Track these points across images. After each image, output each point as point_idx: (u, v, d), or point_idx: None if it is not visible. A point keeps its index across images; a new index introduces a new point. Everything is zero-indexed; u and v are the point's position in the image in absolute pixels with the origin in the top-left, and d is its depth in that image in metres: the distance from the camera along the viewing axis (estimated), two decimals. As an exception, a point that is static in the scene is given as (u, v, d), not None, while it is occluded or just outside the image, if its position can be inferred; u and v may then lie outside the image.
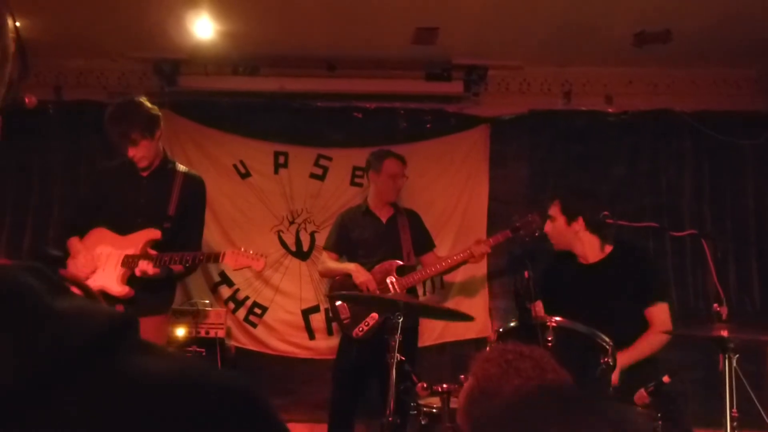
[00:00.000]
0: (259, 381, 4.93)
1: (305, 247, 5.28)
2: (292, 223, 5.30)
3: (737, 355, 2.72)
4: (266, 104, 5.28)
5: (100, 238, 3.53)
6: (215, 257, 3.48)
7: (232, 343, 5.04)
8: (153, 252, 3.40)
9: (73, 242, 3.56)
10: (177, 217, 3.54)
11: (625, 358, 3.13)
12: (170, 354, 0.56)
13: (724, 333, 2.70)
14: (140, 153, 3.46)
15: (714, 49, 4.88)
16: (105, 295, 3.41)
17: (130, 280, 3.45)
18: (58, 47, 5.01)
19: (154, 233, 3.47)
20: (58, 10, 4.44)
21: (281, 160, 5.32)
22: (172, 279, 3.63)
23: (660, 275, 3.82)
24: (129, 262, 3.42)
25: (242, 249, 3.50)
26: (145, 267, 3.35)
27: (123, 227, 3.51)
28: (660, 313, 3.33)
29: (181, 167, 3.71)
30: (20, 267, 0.54)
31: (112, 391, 0.49)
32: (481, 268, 5.03)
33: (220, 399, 0.53)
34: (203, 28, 4.49)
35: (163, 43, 4.78)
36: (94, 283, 3.43)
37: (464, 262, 4.35)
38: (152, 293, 3.47)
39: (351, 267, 4.22)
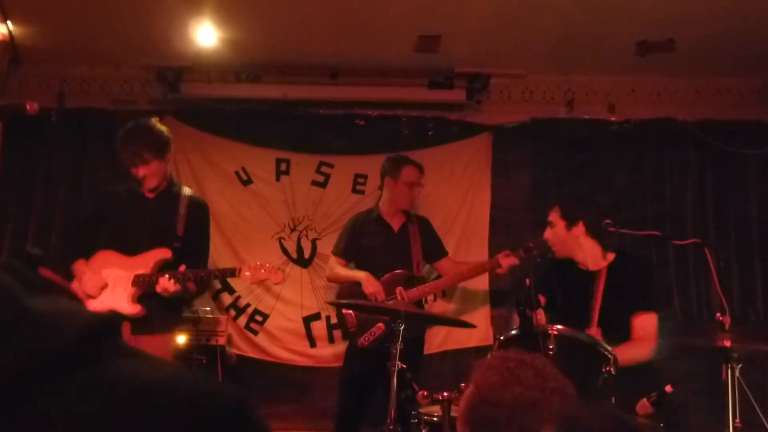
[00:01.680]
0: (260, 389, 4.95)
1: (306, 255, 5.27)
2: (293, 230, 5.29)
3: (740, 365, 2.70)
4: (268, 111, 5.28)
5: (106, 260, 3.57)
6: (231, 273, 3.51)
7: (233, 350, 5.02)
8: (182, 268, 3.42)
9: (79, 265, 3.60)
10: (185, 237, 3.58)
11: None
12: (156, 360, 0.54)
13: (727, 343, 2.68)
14: (150, 172, 3.53)
15: (717, 58, 4.88)
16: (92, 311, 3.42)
17: (141, 298, 3.47)
18: (61, 54, 5.02)
19: (165, 253, 3.51)
20: (61, 17, 4.45)
21: (283, 167, 5.32)
22: (184, 299, 3.66)
23: (655, 285, 3.76)
24: (141, 281, 3.45)
25: (258, 263, 3.52)
26: (166, 284, 3.35)
27: (129, 248, 3.55)
28: (644, 324, 3.24)
29: (187, 190, 3.78)
30: None
31: (93, 395, 0.47)
32: (482, 276, 5.01)
33: (207, 407, 0.51)
34: (206, 36, 4.50)
35: (166, 50, 4.79)
36: (103, 304, 3.46)
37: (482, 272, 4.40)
38: (161, 311, 3.50)
39: (361, 275, 4.18)
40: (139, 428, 0.47)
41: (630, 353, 3.07)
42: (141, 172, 3.52)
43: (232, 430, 0.52)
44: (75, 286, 3.55)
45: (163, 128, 3.64)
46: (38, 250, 3.78)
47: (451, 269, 4.42)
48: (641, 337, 3.23)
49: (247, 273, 3.46)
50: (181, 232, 3.57)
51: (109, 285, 3.50)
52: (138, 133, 3.54)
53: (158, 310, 3.48)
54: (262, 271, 3.46)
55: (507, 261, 4.16)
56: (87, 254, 3.62)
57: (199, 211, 3.71)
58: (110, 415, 0.47)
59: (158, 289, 3.37)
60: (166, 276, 3.37)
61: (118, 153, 3.57)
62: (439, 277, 4.50)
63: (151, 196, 3.64)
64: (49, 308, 0.50)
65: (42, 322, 0.49)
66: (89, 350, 0.49)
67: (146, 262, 3.49)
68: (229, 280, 5.16)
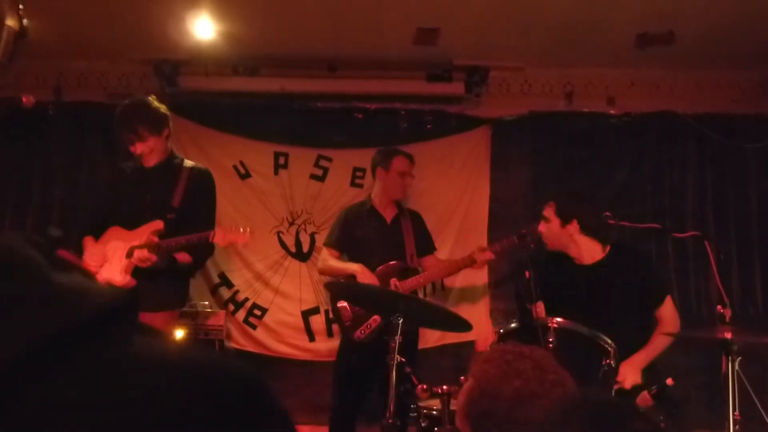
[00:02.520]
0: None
1: (305, 249, 5.25)
2: (291, 224, 5.27)
3: (740, 358, 2.69)
4: (266, 105, 5.26)
5: (113, 236, 3.59)
6: (205, 239, 3.47)
7: (232, 344, 5.01)
8: (155, 239, 3.44)
9: (87, 241, 3.64)
10: (182, 208, 3.57)
11: (642, 359, 3.15)
12: (171, 338, 0.56)
13: (728, 335, 2.68)
14: (147, 148, 3.54)
15: (717, 51, 4.86)
16: (110, 287, 3.43)
17: (135, 271, 3.46)
18: (59, 48, 5.00)
19: (157, 224, 3.51)
20: (58, 11, 4.42)
21: (281, 160, 5.30)
22: (182, 272, 3.65)
23: (658, 273, 3.84)
24: (132, 252, 3.46)
25: (231, 227, 3.54)
26: (139, 254, 3.38)
27: (132, 223, 3.56)
28: (667, 310, 3.39)
29: (189, 162, 3.77)
30: (20, 238, 0.53)
31: (114, 368, 0.49)
32: (481, 270, 4.99)
33: (224, 383, 0.53)
34: (203, 29, 4.47)
35: (164, 43, 4.77)
36: (101, 276, 3.48)
37: (462, 268, 4.35)
38: (160, 288, 3.49)
39: (355, 268, 4.14)
40: (156, 401, 0.49)
41: (669, 339, 3.27)
42: (138, 148, 3.53)
43: (249, 404, 0.53)
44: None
45: (160, 106, 3.63)
46: (58, 231, 3.82)
47: (435, 265, 4.40)
48: (670, 322, 3.35)
49: (217, 237, 3.47)
50: (177, 203, 3.57)
51: (109, 258, 3.52)
52: (134, 110, 3.55)
53: (159, 286, 3.47)
54: (231, 234, 3.48)
55: (482, 256, 4.16)
56: (95, 232, 3.64)
57: (200, 181, 3.69)
58: (124, 387, 0.48)
59: (134, 260, 3.39)
60: (145, 249, 3.39)
61: (115, 129, 3.58)
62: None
63: (150, 169, 3.65)
64: (72, 283, 0.52)
65: (67, 296, 0.50)
66: (110, 326, 0.51)
67: (141, 234, 3.50)
68: (227, 274, 5.16)
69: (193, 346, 0.57)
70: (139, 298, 0.57)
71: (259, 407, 0.54)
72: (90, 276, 0.58)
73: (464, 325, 3.13)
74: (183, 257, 3.50)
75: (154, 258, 3.38)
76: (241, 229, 3.51)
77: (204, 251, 3.66)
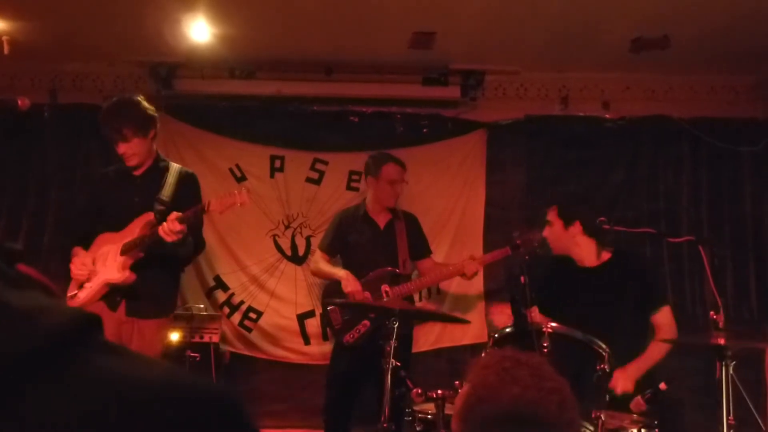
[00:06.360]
0: (254, 387, 4.93)
1: (301, 252, 5.25)
2: (287, 227, 5.27)
3: (734, 363, 2.70)
4: (263, 108, 5.26)
5: (103, 241, 3.54)
6: (202, 209, 3.34)
7: (227, 348, 5.01)
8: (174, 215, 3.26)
9: (76, 251, 3.57)
10: (171, 201, 3.47)
11: (636, 368, 3.17)
12: (142, 357, 0.52)
13: (721, 341, 2.69)
14: (131, 150, 3.45)
15: (712, 55, 4.88)
16: (110, 286, 3.40)
17: (132, 267, 3.39)
18: (54, 51, 4.99)
19: (147, 216, 3.41)
20: (53, 13, 4.42)
21: (277, 164, 5.30)
22: (174, 279, 3.63)
23: (659, 281, 3.87)
24: (129, 246, 3.38)
25: (224, 193, 3.40)
26: (171, 226, 3.17)
27: (121, 227, 3.50)
28: (665, 318, 3.40)
29: (175, 165, 3.69)
30: None
31: (75, 392, 0.45)
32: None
33: (195, 404, 0.50)
34: (199, 32, 4.47)
35: (159, 46, 4.76)
36: (98, 279, 3.42)
37: (454, 275, 4.35)
38: (153, 296, 3.46)
39: (341, 274, 4.15)
40: (121, 426, 0.45)
41: (664, 348, 3.30)
42: (121, 149, 3.44)
43: (220, 426, 0.50)
44: (72, 269, 3.51)
45: (148, 106, 3.52)
46: (17, 245, 3.73)
47: (431, 270, 4.39)
48: (667, 331, 3.36)
49: (213, 205, 3.31)
50: (166, 196, 3.47)
51: (99, 261, 3.44)
52: (119, 110, 3.44)
53: (152, 292, 3.44)
54: (227, 198, 3.32)
55: (470, 268, 4.16)
56: (84, 240, 3.57)
57: (187, 181, 3.62)
58: (87, 412, 0.45)
59: (162, 231, 3.19)
60: (175, 221, 3.19)
61: (101, 127, 3.48)
62: (419, 276, 4.46)
63: (138, 173, 3.58)
64: (27, 303, 0.48)
65: (19, 317, 0.47)
66: (68, 347, 0.47)
67: (132, 229, 3.43)
68: (222, 277, 5.16)
69: (166, 366, 0.52)
70: (101, 320, 0.53)
71: (232, 430, 0.52)
72: (53, 293, 0.55)
73: (461, 321, 3.34)
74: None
75: (183, 227, 3.20)
76: (236, 192, 3.36)
77: (194, 235, 3.50)
